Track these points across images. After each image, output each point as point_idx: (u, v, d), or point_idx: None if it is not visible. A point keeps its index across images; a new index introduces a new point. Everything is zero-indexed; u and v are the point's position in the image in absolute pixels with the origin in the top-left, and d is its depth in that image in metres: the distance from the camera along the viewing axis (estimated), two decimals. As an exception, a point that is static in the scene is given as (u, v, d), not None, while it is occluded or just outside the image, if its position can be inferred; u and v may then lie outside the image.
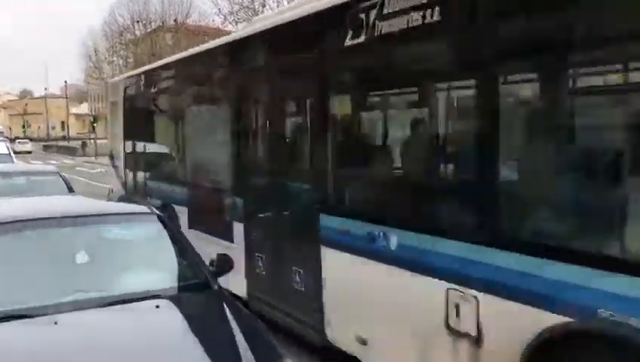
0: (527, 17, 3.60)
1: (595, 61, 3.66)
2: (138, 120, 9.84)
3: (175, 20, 57.38)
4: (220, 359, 3.30)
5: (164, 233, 4.69)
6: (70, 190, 9.33)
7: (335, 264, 5.10)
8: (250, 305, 6.47)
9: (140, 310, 3.72)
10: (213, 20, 48.97)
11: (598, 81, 3.83)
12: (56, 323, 3.49)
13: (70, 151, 52.24)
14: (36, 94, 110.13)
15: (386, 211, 4.64)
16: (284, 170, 5.95)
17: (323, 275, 5.25)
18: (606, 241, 3.30)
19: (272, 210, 6.04)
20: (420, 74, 4.51)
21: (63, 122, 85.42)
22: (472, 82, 4.00)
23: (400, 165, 4.88)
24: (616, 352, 3.07)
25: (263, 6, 36.69)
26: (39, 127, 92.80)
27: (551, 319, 3.31)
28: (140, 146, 9.74)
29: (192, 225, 7.80)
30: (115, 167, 11.16)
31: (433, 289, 4.06)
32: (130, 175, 10.28)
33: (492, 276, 3.65)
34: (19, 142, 58.16)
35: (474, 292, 3.78)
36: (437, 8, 3.92)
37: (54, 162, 34.55)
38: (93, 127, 46.58)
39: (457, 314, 3.90)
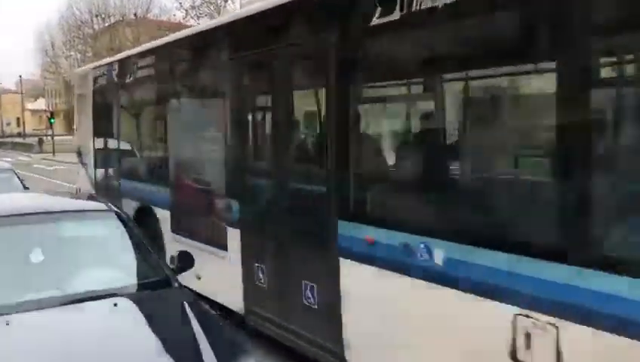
0: None
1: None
2: (111, 113, 8.95)
3: (135, 15, 55.97)
4: (180, 358, 3.23)
5: (123, 230, 4.58)
6: (25, 188, 8.91)
7: (357, 278, 4.40)
8: (247, 320, 5.74)
9: (96, 309, 3.65)
10: (175, 15, 47.98)
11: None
12: (7, 324, 3.37)
13: (26, 148, 50.34)
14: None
15: (430, 218, 3.94)
16: (291, 168, 5.19)
17: (341, 291, 4.54)
18: None
19: (276, 214, 5.29)
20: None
21: (18, 118, 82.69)
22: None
23: (452, 160, 4.14)
24: None
25: (226, 0, 35.83)
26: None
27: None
28: (113, 142, 8.86)
29: (175, 229, 7.01)
30: (83, 164, 10.25)
31: (494, 314, 3.40)
32: (102, 174, 9.40)
33: (582, 301, 2.99)
34: (-29, 138, 55.88)
35: (553, 319, 3.12)
36: None
37: (9, 159, 33.20)
38: (51, 124, 44.92)
39: (528, 346, 3.24)
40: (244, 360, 3.40)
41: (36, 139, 48.85)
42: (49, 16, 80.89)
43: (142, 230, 7.72)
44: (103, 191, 9.22)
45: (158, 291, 4.02)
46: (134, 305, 3.82)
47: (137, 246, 4.51)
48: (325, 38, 4.50)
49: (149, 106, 7.88)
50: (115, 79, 8.65)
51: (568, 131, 3.09)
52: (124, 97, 8.48)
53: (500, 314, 3.35)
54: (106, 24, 57.23)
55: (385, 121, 4.81)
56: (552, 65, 3.29)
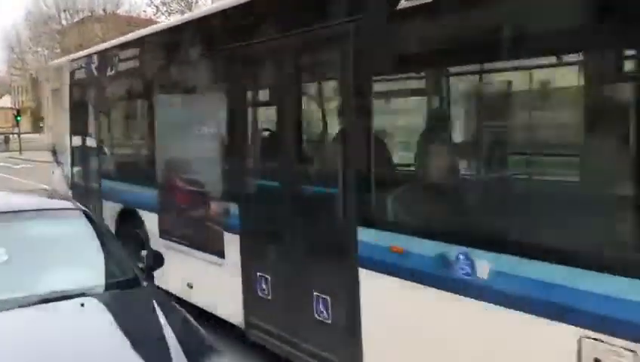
0: None
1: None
2: (90, 109, 8.38)
3: (104, 10, 54.86)
4: (148, 357, 3.22)
5: (90, 229, 4.53)
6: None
7: (381, 292, 3.97)
8: (247, 334, 5.26)
9: (63, 309, 3.60)
10: (145, 12, 47.09)
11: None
12: None
13: (-8, 147, 48.86)
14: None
15: (475, 225, 3.50)
16: (301, 168, 4.71)
17: (361, 305, 4.10)
18: None
19: (283, 219, 4.81)
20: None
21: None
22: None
23: (504, 156, 3.68)
24: None
25: (197, -4, 35.09)
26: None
27: None
28: (93, 139, 8.27)
29: (163, 234, 6.49)
30: (59, 163, 9.63)
31: (555, 337, 2.99)
32: (79, 173, 8.80)
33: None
34: None
35: (631, 344, 2.72)
36: None
37: (-26, 158, 32.25)
38: (17, 122, 43.66)
39: (598, 373, 2.84)
40: (214, 359, 3.37)
41: (2, 137, 47.47)
42: (16, 12, 79.02)
43: (126, 235, 7.38)
44: (81, 192, 8.63)
45: (126, 290, 3.98)
46: (102, 304, 3.77)
47: (105, 246, 4.45)
48: (343, 24, 4.05)
49: (135, 101, 7.33)
50: (96, 72, 8.07)
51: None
52: (105, 91, 7.90)
53: (562, 337, 2.94)
54: (75, 20, 56.01)
55: (417, 111, 4.36)
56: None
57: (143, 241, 7.00)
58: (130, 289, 3.99)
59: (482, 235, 3.35)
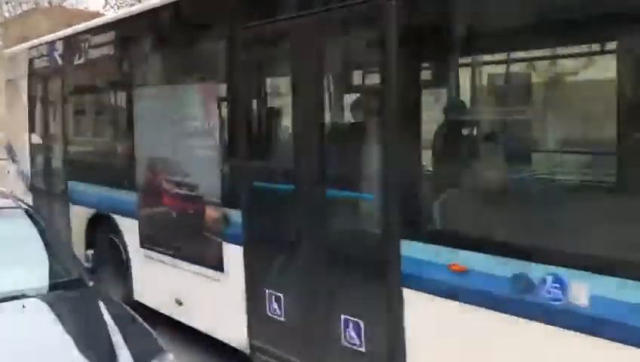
0: None
1: None
2: (54, 101, 7.49)
3: (50, 3, 52.84)
4: (94, 358, 3.19)
5: (33, 228, 4.43)
6: None
7: (431, 317, 3.36)
8: (253, 358, 4.59)
9: (3, 311, 3.52)
10: (87, 7, 45.19)
11: None
12: None
13: None
14: None
15: (569, 238, 2.88)
16: (326, 167, 4.01)
17: (405, 332, 3.48)
18: None
19: (300, 229, 4.14)
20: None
21: None
22: None
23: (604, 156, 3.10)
24: None
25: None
26: None
27: None
28: (58, 136, 7.38)
29: (145, 243, 5.73)
30: (14, 162, 8.69)
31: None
32: (41, 174, 7.90)
33: None
34: None
35: None
36: None
37: None
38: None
39: None
40: (161, 358, 3.31)
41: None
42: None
43: (98, 243, 6.57)
44: (43, 194, 7.75)
45: (71, 291, 3.90)
46: (44, 306, 3.68)
47: (49, 245, 4.36)
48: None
49: (109, 92, 6.51)
50: (60, 61, 7.20)
51: None
52: (73, 82, 7.04)
53: None
54: (18, 12, 53.84)
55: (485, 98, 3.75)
56: None
57: (120, 250, 6.23)
58: (75, 289, 3.92)
59: (581, 252, 2.76)
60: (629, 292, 2.58)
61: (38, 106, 7.85)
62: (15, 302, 3.58)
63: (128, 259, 6.07)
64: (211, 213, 4.89)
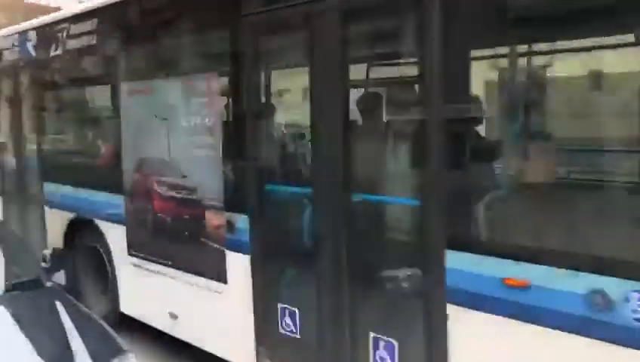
0: None
1: None
2: (26, 96, 6.91)
3: (9, -4, 51.31)
4: (51, 358, 3.15)
5: None
6: None
7: (483, 337, 2.97)
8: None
9: None
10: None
11: None
12: None
13: None
14: None
15: None
16: (350, 168, 3.54)
17: (449, 355, 3.08)
18: None
19: (321, 237, 3.71)
20: None
21: None
22: None
23: None
24: None
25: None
26: None
27: None
28: (33, 133, 6.80)
29: (134, 251, 5.24)
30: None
31: None
32: (12, 174, 7.29)
33: None
34: None
35: None
36: None
37: None
38: None
39: None
40: (121, 358, 3.30)
41: None
42: None
43: (78, 250, 6.05)
44: (14, 196, 7.16)
45: (28, 292, 3.84)
46: (0, 307, 3.58)
47: (4, 244, 4.32)
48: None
49: (91, 86, 5.99)
50: (33, 52, 6.62)
51: None
52: (48, 75, 6.48)
53: None
54: (-25, 6, 52.22)
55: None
56: None
57: (103, 258, 5.71)
58: (32, 290, 3.85)
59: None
60: None
61: (7, 102, 7.25)
62: None
63: (113, 268, 5.57)
64: (212, 218, 4.43)
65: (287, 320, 3.95)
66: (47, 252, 4.39)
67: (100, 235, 5.66)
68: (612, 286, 2.52)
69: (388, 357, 3.37)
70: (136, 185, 5.17)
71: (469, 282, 2.98)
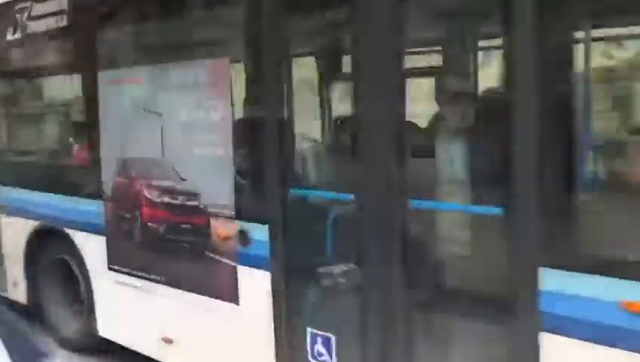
0: None
1: None
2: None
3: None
4: None
5: None
6: None
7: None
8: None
9: None
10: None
11: None
12: None
13: None
14: None
15: None
16: (404, 171, 2.96)
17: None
18: None
19: (363, 250, 3.13)
20: None
21: None
22: None
23: None
24: None
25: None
26: None
27: None
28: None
29: (116, 265, 4.53)
30: None
31: None
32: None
33: None
34: None
35: None
36: None
37: None
38: None
39: None
40: None
41: None
42: None
43: (42, 265, 5.27)
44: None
45: None
46: None
47: None
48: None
49: (58, 75, 5.21)
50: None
51: None
52: (5, 63, 5.64)
53: None
54: None
55: None
56: None
57: (75, 274, 4.97)
58: None
59: None
60: None
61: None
62: None
63: (89, 285, 4.83)
64: (220, 228, 3.79)
65: (320, 347, 3.35)
66: None
67: (71, 247, 4.91)
68: None
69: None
70: (119, 189, 4.46)
71: (572, 306, 2.47)
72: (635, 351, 2.33)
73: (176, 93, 3.95)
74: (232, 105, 3.67)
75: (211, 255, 3.85)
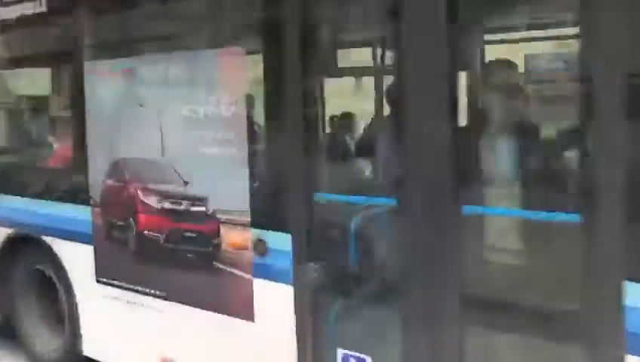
0: None
1: None
2: None
3: None
4: None
5: None
6: None
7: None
8: None
9: None
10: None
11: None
12: None
13: None
14: None
15: None
16: (457, 172, 2.64)
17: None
18: None
19: (407, 261, 2.80)
20: None
21: None
22: None
23: None
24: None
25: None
26: None
27: None
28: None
29: (107, 277, 4.09)
30: None
31: None
32: None
33: None
34: None
35: None
36: None
37: None
38: None
39: None
40: None
41: None
42: None
43: (16, 278, 4.77)
44: None
45: None
46: None
47: None
48: None
49: (36, 67, 4.72)
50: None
51: None
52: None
53: None
54: None
55: None
56: None
57: (55, 286, 4.50)
58: None
59: None
60: None
61: None
62: None
63: (72, 299, 4.36)
64: (232, 236, 3.40)
65: (353, 370, 3.01)
66: None
67: (51, 257, 4.43)
68: None
69: None
70: (110, 193, 4.02)
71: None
72: None
73: (180, 85, 3.55)
74: (249, 99, 3.29)
75: (221, 266, 3.46)
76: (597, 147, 2.28)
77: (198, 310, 3.59)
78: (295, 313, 3.15)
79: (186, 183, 3.60)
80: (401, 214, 2.80)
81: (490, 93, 2.90)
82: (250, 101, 3.33)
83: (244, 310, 3.36)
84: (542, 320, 2.45)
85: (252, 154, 3.29)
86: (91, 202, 4.10)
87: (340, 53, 3.54)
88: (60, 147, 4.49)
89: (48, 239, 4.43)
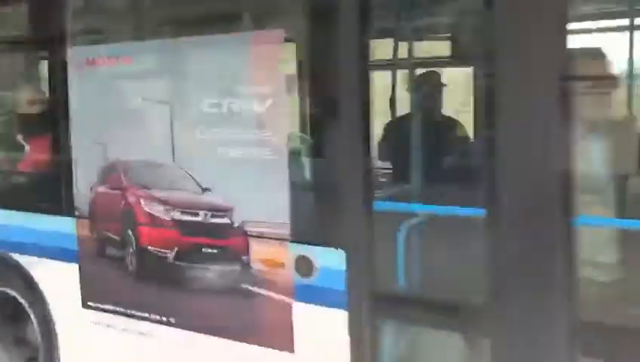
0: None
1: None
2: None
3: None
4: None
5: None
6: None
7: None
8: None
9: None
10: None
11: None
12: None
13: None
14: None
15: None
16: (569, 177, 2.26)
17: None
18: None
19: (503, 281, 2.39)
20: None
21: None
22: None
23: None
24: None
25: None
26: None
27: None
28: None
29: (95, 298, 3.49)
30: None
31: None
32: None
33: None
34: None
35: None
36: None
37: None
38: None
39: None
40: None
41: None
42: None
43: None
44: None
45: None
46: None
47: None
48: None
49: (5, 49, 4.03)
50: None
51: None
52: None
53: None
54: None
55: None
56: None
57: (26, 313, 3.84)
58: None
59: None
60: None
61: None
62: None
63: (49, 327, 3.71)
64: (265, 252, 2.90)
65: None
66: None
67: (22, 280, 3.76)
68: None
69: None
70: (101, 202, 3.42)
71: None
72: None
73: (199, 76, 3.01)
74: (292, 92, 2.80)
75: (250, 288, 2.94)
76: None
77: (217, 339, 3.06)
78: (351, 343, 2.68)
79: (204, 190, 3.06)
80: (490, 227, 2.38)
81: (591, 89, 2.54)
82: (290, 93, 2.84)
83: (281, 339, 2.86)
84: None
85: (293, 156, 2.80)
86: (76, 213, 3.48)
87: (417, 44, 3.08)
88: (34, 148, 3.82)
89: (20, 258, 3.76)
